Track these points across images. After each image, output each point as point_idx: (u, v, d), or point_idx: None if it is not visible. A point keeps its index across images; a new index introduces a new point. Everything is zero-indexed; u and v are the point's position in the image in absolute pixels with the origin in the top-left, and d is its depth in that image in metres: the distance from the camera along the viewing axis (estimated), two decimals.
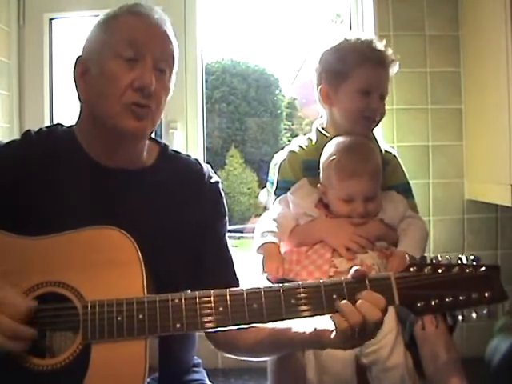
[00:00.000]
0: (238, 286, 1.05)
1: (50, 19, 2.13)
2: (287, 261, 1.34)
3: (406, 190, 1.49)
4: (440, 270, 0.86)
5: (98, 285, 0.87)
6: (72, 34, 2.22)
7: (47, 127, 1.08)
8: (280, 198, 1.43)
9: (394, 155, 1.51)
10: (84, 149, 1.02)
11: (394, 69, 1.46)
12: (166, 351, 0.91)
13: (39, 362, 0.85)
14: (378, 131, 1.62)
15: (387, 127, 2.00)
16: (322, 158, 1.40)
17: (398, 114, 2.01)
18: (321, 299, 0.85)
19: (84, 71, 0.99)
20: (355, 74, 1.41)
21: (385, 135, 1.99)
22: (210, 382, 1.15)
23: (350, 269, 1.27)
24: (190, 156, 1.12)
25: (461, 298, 0.84)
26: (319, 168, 1.40)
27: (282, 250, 1.38)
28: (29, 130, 1.06)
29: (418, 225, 1.41)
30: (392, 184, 1.46)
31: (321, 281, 0.87)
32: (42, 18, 2.09)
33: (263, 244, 1.35)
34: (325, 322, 0.90)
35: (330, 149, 1.39)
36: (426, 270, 0.86)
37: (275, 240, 1.35)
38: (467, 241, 2.05)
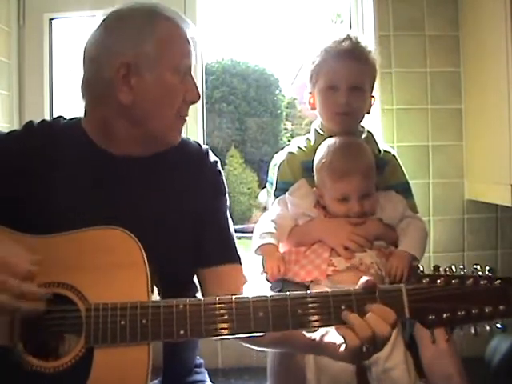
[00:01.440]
0: (240, 264, 1.07)
1: (50, 19, 2.13)
2: (286, 261, 1.34)
3: (405, 190, 1.49)
4: (453, 282, 0.83)
5: (102, 287, 0.86)
6: (72, 34, 2.22)
7: (52, 119, 1.09)
8: (279, 198, 1.44)
9: (394, 155, 1.52)
10: (89, 137, 1.02)
11: (369, 60, 1.43)
12: (170, 351, 0.91)
13: (42, 364, 0.84)
14: (377, 131, 1.63)
15: (387, 127, 2.00)
16: (315, 162, 1.40)
17: (397, 113, 2.01)
18: (329, 310, 0.83)
19: (129, 73, 0.96)
20: (322, 72, 1.42)
21: (385, 135, 1.99)
22: (211, 382, 1.15)
23: (349, 268, 1.29)
24: (189, 138, 1.13)
25: (474, 311, 0.81)
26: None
27: (281, 251, 1.38)
28: (31, 121, 1.06)
29: (418, 224, 1.41)
30: (391, 184, 1.46)
31: (329, 291, 0.85)
32: (41, 18, 2.09)
33: (261, 245, 1.35)
34: (332, 335, 0.88)
35: (320, 151, 1.39)
36: (438, 282, 0.83)
37: (273, 241, 1.35)
38: (467, 241, 2.05)
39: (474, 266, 0.84)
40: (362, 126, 1.54)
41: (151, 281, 0.86)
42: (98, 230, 0.90)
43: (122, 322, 0.83)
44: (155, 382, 0.93)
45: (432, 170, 2.03)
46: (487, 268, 0.84)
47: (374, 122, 1.94)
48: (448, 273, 0.84)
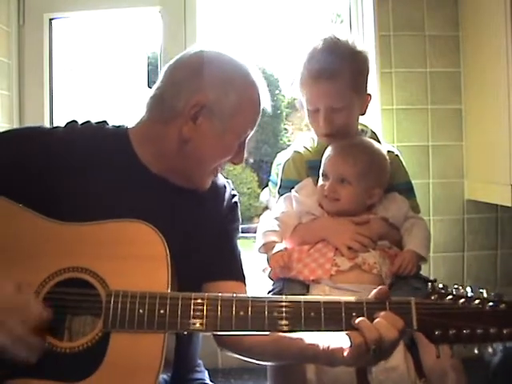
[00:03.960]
0: (245, 284, 1.10)
1: (50, 19, 2.12)
2: (289, 258, 1.34)
3: (407, 190, 1.49)
4: (461, 301, 0.86)
5: (124, 276, 0.88)
6: (72, 34, 2.23)
7: (96, 122, 1.11)
8: (284, 196, 1.44)
9: (397, 155, 1.51)
10: (133, 147, 1.05)
11: (345, 71, 1.34)
12: (181, 349, 0.93)
13: (58, 344, 0.86)
14: (377, 131, 1.62)
15: (387, 127, 2.00)
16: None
17: (397, 113, 2.01)
18: (340, 316, 0.86)
19: (200, 113, 0.99)
20: (303, 95, 1.42)
21: (385, 135, 1.99)
22: (211, 381, 1.16)
23: (352, 268, 1.29)
24: None
25: (478, 331, 0.84)
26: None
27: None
28: (75, 121, 1.09)
29: (422, 225, 1.42)
30: (394, 183, 1.46)
31: (342, 298, 0.88)
32: (41, 18, 2.09)
33: (265, 243, 1.35)
34: (339, 340, 0.91)
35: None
36: (446, 299, 0.86)
37: (277, 239, 1.35)
38: (467, 241, 2.05)
39: (480, 290, 0.87)
40: (365, 126, 1.54)
41: (172, 274, 0.89)
42: (124, 222, 0.93)
43: (141, 311, 0.85)
44: (166, 376, 0.94)
45: (432, 170, 2.03)
46: (492, 293, 0.87)
47: (374, 122, 1.94)
48: (455, 292, 0.87)
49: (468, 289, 0.87)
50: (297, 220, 1.40)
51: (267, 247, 1.35)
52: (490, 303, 0.85)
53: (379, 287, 0.89)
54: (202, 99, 0.99)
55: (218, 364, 1.99)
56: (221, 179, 1.17)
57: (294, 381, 1.24)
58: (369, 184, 1.36)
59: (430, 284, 0.89)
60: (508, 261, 2.03)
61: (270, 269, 1.36)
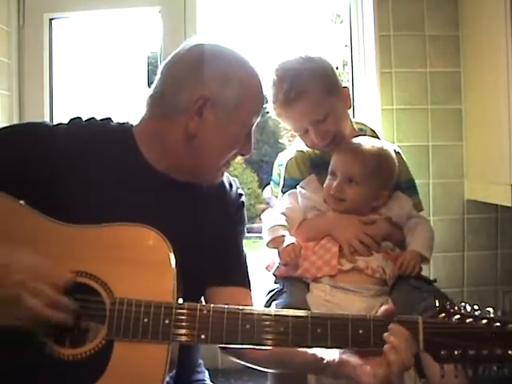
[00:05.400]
0: (250, 290, 1.09)
1: (50, 19, 2.13)
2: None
3: (410, 187, 1.49)
4: (468, 321, 0.85)
5: (129, 282, 0.87)
6: (72, 34, 2.22)
7: (100, 119, 1.10)
8: (289, 192, 1.43)
9: (398, 152, 1.51)
10: (138, 145, 1.04)
11: (307, 89, 1.32)
12: (184, 351, 0.92)
13: (61, 351, 0.85)
14: (377, 131, 1.63)
15: (387, 127, 2.00)
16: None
17: (397, 113, 2.01)
18: (346, 333, 0.85)
19: (205, 107, 0.98)
20: (285, 123, 1.42)
21: (385, 135, 1.98)
22: (211, 382, 1.16)
23: (354, 269, 1.28)
24: None
25: (484, 352, 0.83)
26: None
27: None
28: (79, 117, 1.07)
29: (426, 225, 1.43)
30: (397, 181, 1.45)
31: (349, 315, 0.87)
32: (42, 18, 2.09)
33: (274, 238, 1.34)
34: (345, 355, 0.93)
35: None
36: (454, 319, 0.85)
37: (286, 233, 1.34)
38: (467, 241, 2.05)
39: (488, 309, 0.86)
40: (363, 124, 1.54)
41: (177, 280, 0.87)
42: (130, 226, 0.91)
43: (145, 320, 0.84)
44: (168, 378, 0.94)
45: (432, 170, 2.03)
46: (499, 312, 0.86)
47: (374, 122, 1.94)
48: (463, 310, 0.86)
49: (475, 307, 0.86)
50: (302, 215, 1.40)
51: (277, 241, 1.33)
52: (497, 323, 0.84)
53: (386, 306, 0.89)
54: (205, 93, 0.97)
55: (218, 364, 1.99)
56: (226, 177, 1.15)
57: (294, 381, 1.23)
58: (376, 186, 1.35)
59: (437, 302, 0.87)
60: (508, 261, 2.03)
61: (278, 264, 1.35)
